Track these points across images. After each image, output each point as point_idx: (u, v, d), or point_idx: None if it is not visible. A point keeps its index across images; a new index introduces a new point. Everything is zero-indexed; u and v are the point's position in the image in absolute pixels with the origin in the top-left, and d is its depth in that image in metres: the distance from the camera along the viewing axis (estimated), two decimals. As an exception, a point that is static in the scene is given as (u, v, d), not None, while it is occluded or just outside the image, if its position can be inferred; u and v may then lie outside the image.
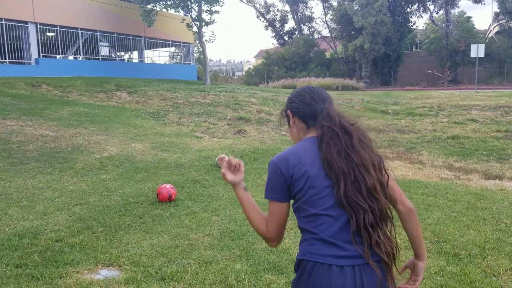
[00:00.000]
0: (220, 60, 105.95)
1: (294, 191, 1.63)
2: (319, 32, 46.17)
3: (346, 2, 36.81)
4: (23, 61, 20.25)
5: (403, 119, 13.71)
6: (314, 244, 1.58)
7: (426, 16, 38.93)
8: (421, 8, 37.34)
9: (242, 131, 11.32)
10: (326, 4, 43.12)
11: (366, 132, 1.69)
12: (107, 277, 3.47)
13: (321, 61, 40.61)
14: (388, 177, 1.68)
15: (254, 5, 46.21)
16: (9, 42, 19.33)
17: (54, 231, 4.39)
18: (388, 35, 34.59)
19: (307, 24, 45.83)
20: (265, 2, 47.59)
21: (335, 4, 41.48)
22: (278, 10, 47.37)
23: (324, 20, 44.71)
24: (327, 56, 44.84)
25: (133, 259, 3.78)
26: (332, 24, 41.78)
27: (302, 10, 45.04)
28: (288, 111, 1.79)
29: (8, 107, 10.90)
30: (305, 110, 1.73)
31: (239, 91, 19.63)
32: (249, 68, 56.77)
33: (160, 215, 4.95)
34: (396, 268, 1.65)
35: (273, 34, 47.60)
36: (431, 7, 37.43)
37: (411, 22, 38.37)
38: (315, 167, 1.60)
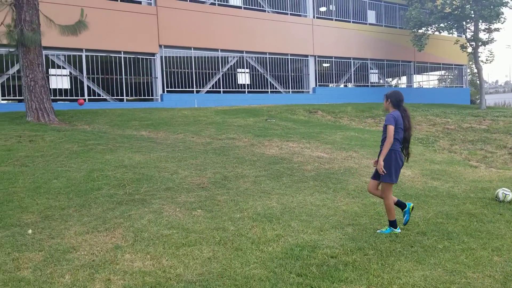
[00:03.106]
0: (497, 81, 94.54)
1: (396, 127, 5.06)
2: None
3: None
4: (302, 90, 22.89)
5: None
6: (396, 145, 5.08)
7: None
8: None
9: (529, 162, 9.76)
10: None
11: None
12: (379, 301, 3.51)
13: None
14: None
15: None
16: (292, 74, 22.22)
17: (329, 247, 4.71)
18: None
19: None
20: (562, 11, 40.20)
21: None
22: None
23: None
24: None
25: (406, 288, 3.71)
26: None
27: None
28: (390, 100, 5.25)
29: (290, 131, 12.47)
30: (396, 101, 5.20)
31: (523, 116, 17.09)
32: (536, 88, 48.66)
33: (432, 246, 4.73)
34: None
35: None
36: None
37: None
38: (400, 121, 5.07)
